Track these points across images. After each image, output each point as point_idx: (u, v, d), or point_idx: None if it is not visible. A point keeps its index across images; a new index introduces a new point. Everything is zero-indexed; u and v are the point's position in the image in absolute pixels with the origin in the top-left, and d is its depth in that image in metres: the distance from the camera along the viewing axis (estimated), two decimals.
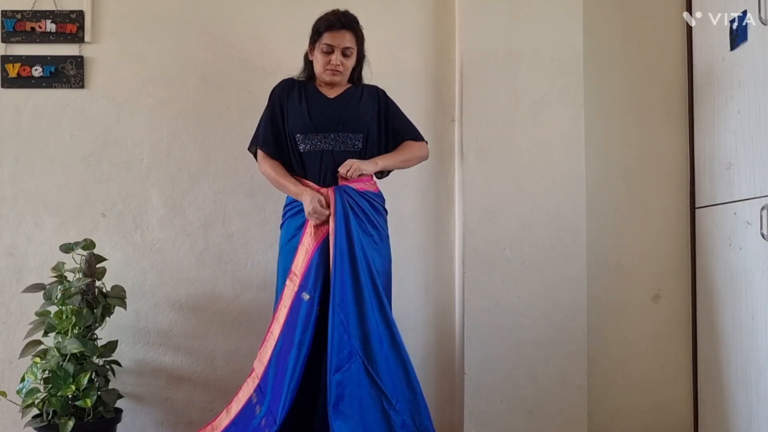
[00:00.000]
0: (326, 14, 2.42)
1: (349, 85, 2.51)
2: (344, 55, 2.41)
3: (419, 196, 2.96)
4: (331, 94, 2.47)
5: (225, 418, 2.39)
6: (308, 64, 2.51)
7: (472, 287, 2.81)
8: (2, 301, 2.87)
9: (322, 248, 2.31)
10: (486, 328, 2.79)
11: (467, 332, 2.80)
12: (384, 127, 2.48)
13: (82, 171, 2.91)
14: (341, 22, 2.39)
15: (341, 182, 2.37)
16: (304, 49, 2.55)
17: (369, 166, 2.38)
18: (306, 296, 2.27)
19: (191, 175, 2.93)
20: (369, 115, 2.43)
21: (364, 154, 2.43)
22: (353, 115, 2.40)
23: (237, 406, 2.38)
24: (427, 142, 2.61)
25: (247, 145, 2.55)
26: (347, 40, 2.40)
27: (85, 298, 2.57)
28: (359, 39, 2.45)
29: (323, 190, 2.35)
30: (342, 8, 2.45)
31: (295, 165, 2.44)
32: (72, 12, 2.91)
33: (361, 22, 2.48)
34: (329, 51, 2.39)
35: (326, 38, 2.39)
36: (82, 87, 2.91)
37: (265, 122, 2.48)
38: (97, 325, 2.60)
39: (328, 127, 2.38)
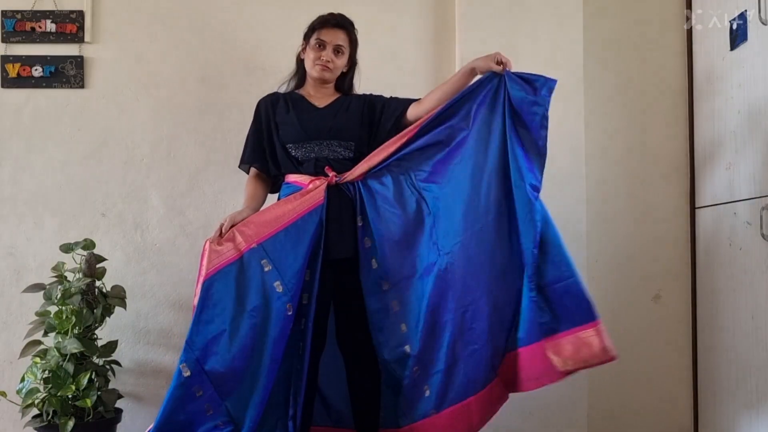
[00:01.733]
0: (323, 14, 2.42)
1: (338, 95, 2.47)
2: (335, 52, 2.39)
3: None
4: (320, 103, 2.43)
5: None
6: (300, 64, 2.48)
7: None
8: (2, 301, 2.87)
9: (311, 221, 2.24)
10: None
11: None
12: (380, 115, 2.41)
13: (82, 171, 2.91)
14: (336, 20, 2.39)
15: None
16: None
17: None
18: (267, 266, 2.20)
19: (191, 176, 2.93)
20: (358, 122, 2.40)
21: (356, 161, 2.37)
22: (343, 124, 2.37)
23: None
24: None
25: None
26: (340, 38, 2.39)
27: (85, 298, 2.57)
28: (352, 41, 2.43)
29: (320, 179, 2.31)
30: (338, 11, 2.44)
31: (289, 167, 2.39)
32: (72, 12, 2.91)
33: (362, 24, 2.47)
34: (321, 47, 2.38)
35: (319, 34, 2.38)
36: (82, 87, 2.91)
37: (251, 138, 2.44)
38: (97, 325, 2.60)
39: (319, 135, 2.36)
